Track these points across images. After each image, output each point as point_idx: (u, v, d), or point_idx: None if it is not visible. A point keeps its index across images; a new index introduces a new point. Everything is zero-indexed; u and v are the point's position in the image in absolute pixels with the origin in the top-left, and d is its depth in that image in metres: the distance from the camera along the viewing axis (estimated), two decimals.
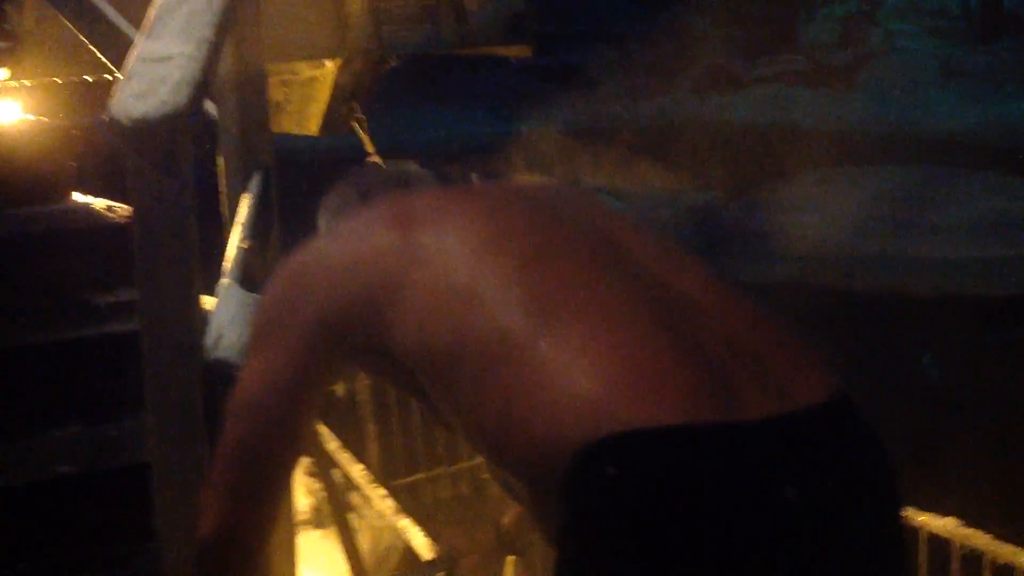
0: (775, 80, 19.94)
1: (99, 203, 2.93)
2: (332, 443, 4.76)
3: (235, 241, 2.43)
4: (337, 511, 2.82)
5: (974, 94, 16.69)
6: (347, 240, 1.52)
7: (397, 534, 4.59)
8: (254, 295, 2.32)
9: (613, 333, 1.30)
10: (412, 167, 1.79)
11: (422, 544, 3.86)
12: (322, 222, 1.81)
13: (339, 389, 5.40)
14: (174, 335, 2.02)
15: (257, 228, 2.45)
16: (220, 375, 2.09)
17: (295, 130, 4.52)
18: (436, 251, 1.40)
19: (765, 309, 1.48)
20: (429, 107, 19.99)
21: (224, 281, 2.30)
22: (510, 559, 2.79)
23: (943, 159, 12.15)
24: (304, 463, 4.75)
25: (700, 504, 1.22)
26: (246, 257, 2.39)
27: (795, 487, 1.25)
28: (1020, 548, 3.15)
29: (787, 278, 8.77)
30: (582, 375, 1.27)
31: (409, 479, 5.54)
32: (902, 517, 1.43)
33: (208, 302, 2.23)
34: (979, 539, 3.25)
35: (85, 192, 3.03)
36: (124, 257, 2.67)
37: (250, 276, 2.40)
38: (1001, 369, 6.86)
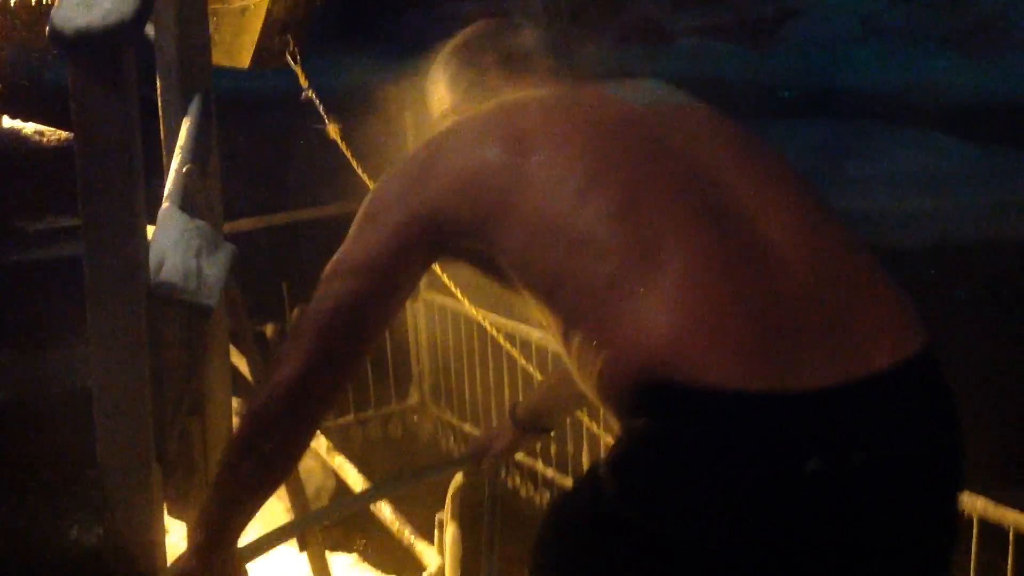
0: (700, 33, 20.02)
1: (29, 127, 2.83)
2: None
3: (175, 166, 2.37)
4: None
5: (894, 51, 16.98)
6: (465, 150, 1.52)
7: (328, 474, 4.58)
8: (196, 220, 2.28)
9: (690, 287, 1.32)
10: (531, 39, 1.76)
11: (357, 480, 3.85)
12: (443, 77, 1.77)
13: (269, 330, 5.33)
14: (118, 260, 1.96)
15: (197, 152, 2.39)
16: (163, 299, 2.05)
17: (224, 62, 4.41)
18: (544, 180, 1.44)
19: (860, 247, 1.50)
20: (353, 50, 19.67)
21: (165, 206, 2.25)
22: (451, 532, 2.80)
23: (864, 114, 12.36)
24: (235, 404, 4.70)
25: (718, 473, 1.25)
26: (187, 182, 2.34)
27: (830, 459, 1.23)
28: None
29: None
30: (653, 326, 1.31)
31: (339, 421, 5.51)
32: (956, 497, 1.39)
33: (149, 230, 2.18)
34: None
35: (13, 117, 2.93)
36: (57, 183, 2.60)
37: (191, 201, 2.35)
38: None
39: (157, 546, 2.04)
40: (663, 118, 1.55)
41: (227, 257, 2.18)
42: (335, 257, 1.55)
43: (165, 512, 2.80)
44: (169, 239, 2.10)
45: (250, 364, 2.76)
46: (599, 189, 1.41)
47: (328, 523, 3.00)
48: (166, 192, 2.28)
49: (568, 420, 4.55)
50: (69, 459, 2.23)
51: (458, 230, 1.50)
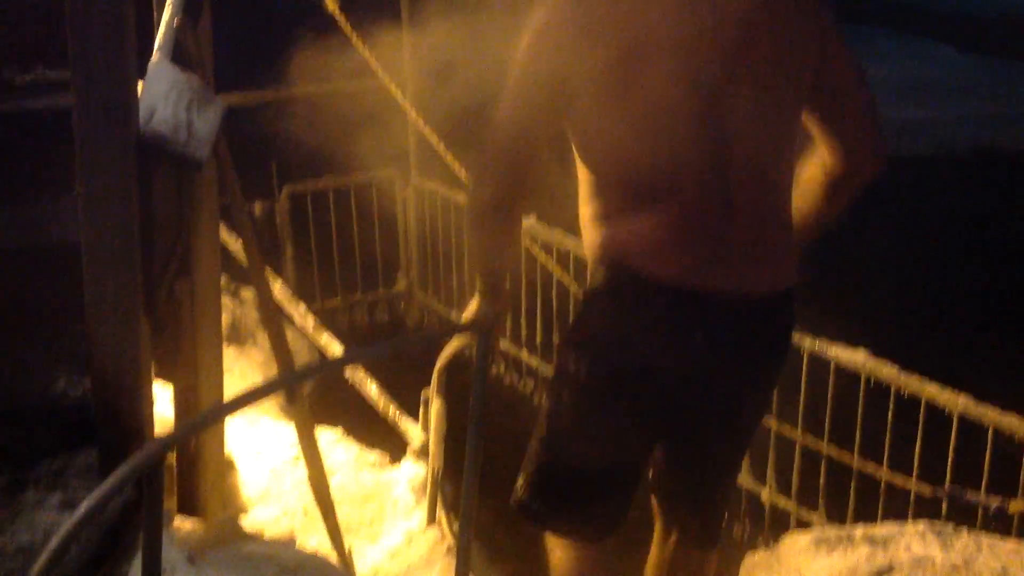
0: None
1: None
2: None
3: (166, 18, 2.31)
4: (270, 318, 2.78)
5: None
6: (558, 35, 1.90)
7: (315, 351, 4.59)
8: (187, 73, 2.22)
9: (667, 203, 1.94)
10: None
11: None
12: None
13: (257, 208, 5.28)
14: (107, 106, 1.92)
15: (188, 5, 2.33)
16: (153, 149, 2.01)
17: None
18: (600, 70, 1.87)
19: (787, 204, 2.09)
20: None
21: (156, 57, 2.19)
22: (437, 407, 2.81)
23: (871, 21, 12.18)
24: (221, 280, 4.68)
25: (652, 335, 2.01)
26: (177, 34, 2.28)
27: (709, 337, 2.00)
28: (925, 379, 3.26)
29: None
30: (640, 220, 1.96)
31: (326, 305, 5.51)
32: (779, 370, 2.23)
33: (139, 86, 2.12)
34: (886, 371, 3.35)
35: None
36: (44, 35, 2.53)
37: (182, 53, 2.29)
38: (907, 226, 7.05)
39: (144, 399, 2.03)
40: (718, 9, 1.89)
41: (217, 113, 2.13)
42: (504, 100, 1.96)
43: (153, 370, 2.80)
44: (159, 90, 2.05)
45: (240, 227, 2.71)
46: (634, 87, 1.87)
47: (315, 378, 2.97)
48: (156, 44, 2.22)
49: (553, 311, 4.56)
50: (59, 310, 2.22)
51: (564, 91, 1.91)
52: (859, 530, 2.47)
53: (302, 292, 5.43)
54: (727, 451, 2.30)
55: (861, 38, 11.18)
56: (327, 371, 2.15)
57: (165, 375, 2.69)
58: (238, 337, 4.79)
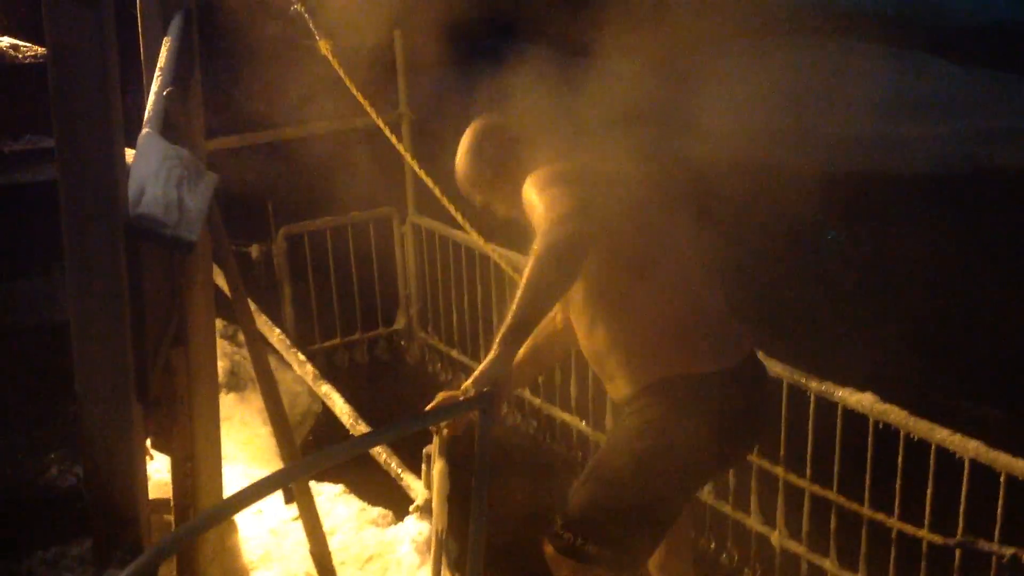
0: None
1: (4, 41, 2.70)
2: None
3: (155, 88, 2.26)
4: (262, 369, 2.73)
5: None
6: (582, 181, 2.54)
7: (315, 399, 4.53)
8: (177, 147, 2.17)
9: (685, 296, 2.56)
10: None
11: (343, 409, 3.80)
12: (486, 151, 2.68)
13: (254, 251, 5.24)
14: (94, 185, 1.87)
15: (178, 74, 2.28)
16: (143, 232, 1.95)
17: None
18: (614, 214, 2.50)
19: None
20: None
21: (145, 131, 2.14)
22: (439, 468, 2.75)
23: (858, 34, 12.12)
24: (219, 325, 4.63)
25: (706, 411, 2.49)
26: (168, 105, 2.23)
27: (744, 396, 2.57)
28: (934, 424, 3.20)
29: (698, 153, 8.72)
30: (664, 323, 2.52)
31: (325, 344, 5.45)
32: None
33: (128, 155, 2.07)
34: (895, 415, 3.30)
35: None
36: (34, 101, 2.48)
37: (172, 125, 2.25)
38: (910, 245, 6.98)
39: (139, 485, 1.98)
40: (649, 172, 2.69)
41: (209, 187, 2.08)
42: (550, 215, 2.38)
43: (149, 446, 2.75)
44: (149, 168, 2.00)
45: (230, 284, 2.66)
46: (640, 221, 2.55)
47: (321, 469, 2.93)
48: (146, 117, 2.17)
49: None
50: (49, 391, 2.16)
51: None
52: None
53: (301, 332, 5.39)
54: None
55: (852, 52, 11.15)
56: (331, 461, 2.10)
57: (161, 447, 2.64)
58: (238, 384, 4.74)
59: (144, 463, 1.98)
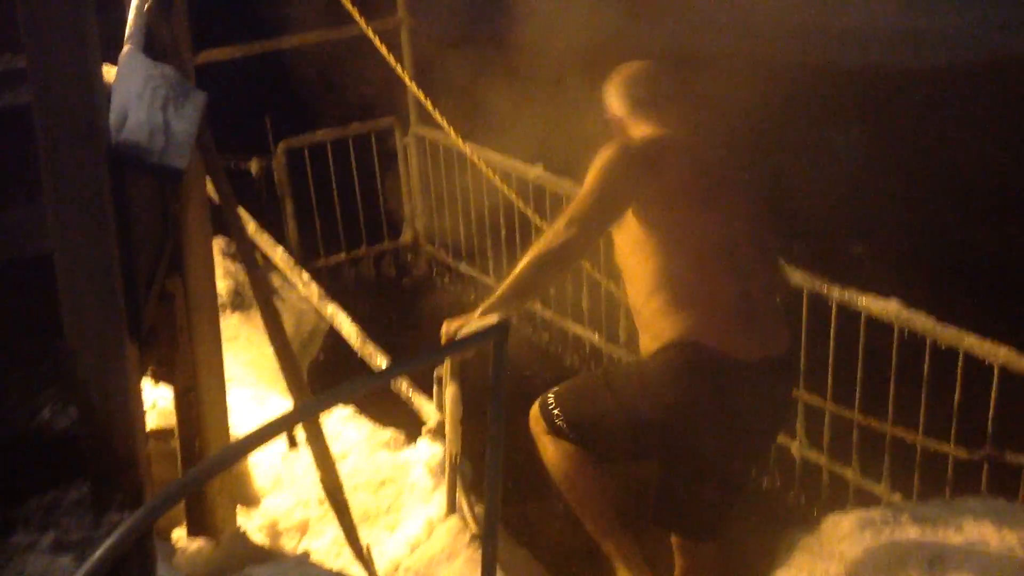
0: None
1: None
2: (250, 224, 4.51)
3: (136, 2, 2.11)
4: (261, 293, 2.62)
5: None
6: (634, 161, 2.63)
7: (321, 317, 4.43)
8: (161, 65, 2.03)
9: (722, 282, 2.60)
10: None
11: (350, 329, 3.71)
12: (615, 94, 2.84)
13: (254, 166, 5.09)
14: (71, 110, 1.73)
15: None
16: (127, 159, 1.82)
17: None
18: (659, 192, 2.61)
19: (777, 270, 2.82)
20: None
21: (127, 48, 2.00)
22: (451, 391, 2.67)
23: None
24: (221, 244, 4.52)
25: (715, 398, 2.55)
26: (150, 20, 2.08)
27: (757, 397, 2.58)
28: (962, 331, 3.09)
29: (717, 49, 8.47)
30: (693, 305, 2.57)
31: (331, 260, 5.34)
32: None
33: (109, 72, 1.93)
34: (920, 321, 3.18)
35: None
36: (11, 17, 2.32)
37: (154, 41, 2.10)
38: (925, 139, 6.80)
39: (137, 426, 1.88)
40: (710, 152, 2.78)
41: (197, 107, 1.94)
42: (576, 206, 2.54)
43: (151, 380, 2.65)
44: (132, 89, 1.86)
45: (226, 210, 2.53)
46: (684, 204, 2.61)
47: (321, 411, 2.84)
48: (127, 33, 2.02)
49: None
50: (39, 327, 2.06)
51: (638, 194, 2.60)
52: (905, 514, 2.33)
53: (305, 248, 5.28)
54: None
55: None
56: (344, 398, 2.00)
57: (164, 377, 2.55)
58: (242, 303, 4.64)
59: (141, 403, 1.89)
